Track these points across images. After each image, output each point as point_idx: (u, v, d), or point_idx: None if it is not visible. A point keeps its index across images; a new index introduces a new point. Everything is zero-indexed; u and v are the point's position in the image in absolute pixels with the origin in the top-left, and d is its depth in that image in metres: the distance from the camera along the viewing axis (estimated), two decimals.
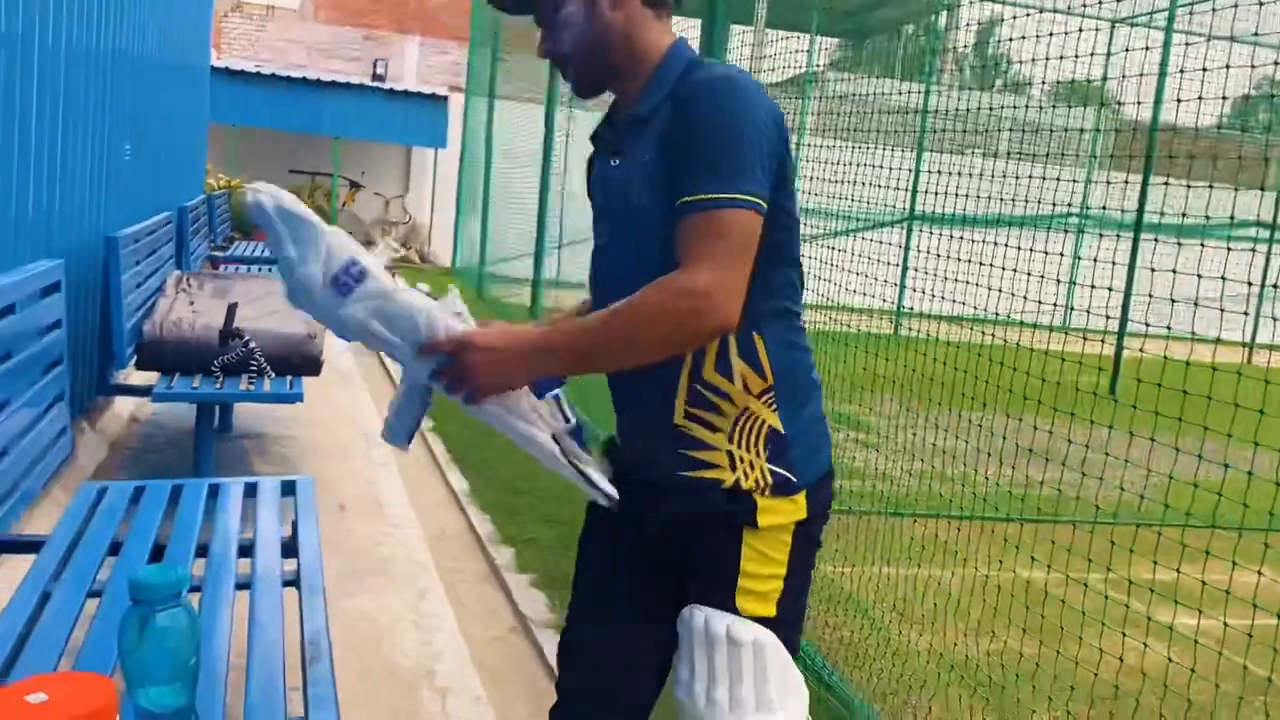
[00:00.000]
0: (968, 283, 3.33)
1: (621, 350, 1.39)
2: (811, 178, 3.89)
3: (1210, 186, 2.85)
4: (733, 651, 1.47)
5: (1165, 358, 2.62)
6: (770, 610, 1.49)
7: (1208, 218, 2.98)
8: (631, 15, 1.49)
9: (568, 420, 1.48)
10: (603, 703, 1.65)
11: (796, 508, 1.50)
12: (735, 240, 1.34)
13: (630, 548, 1.62)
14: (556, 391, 1.49)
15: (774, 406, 1.49)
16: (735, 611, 1.48)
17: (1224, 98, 2.57)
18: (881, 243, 4.97)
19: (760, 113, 1.38)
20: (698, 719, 1.51)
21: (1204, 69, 2.63)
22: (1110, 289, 4.24)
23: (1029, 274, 3.25)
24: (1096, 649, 3.13)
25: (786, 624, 1.51)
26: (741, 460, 1.48)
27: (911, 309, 4.11)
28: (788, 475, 1.49)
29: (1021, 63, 3.11)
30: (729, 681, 1.47)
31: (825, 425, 1.59)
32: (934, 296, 3.44)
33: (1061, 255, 3.51)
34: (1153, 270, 2.88)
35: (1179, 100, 2.86)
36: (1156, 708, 2.65)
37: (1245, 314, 4.04)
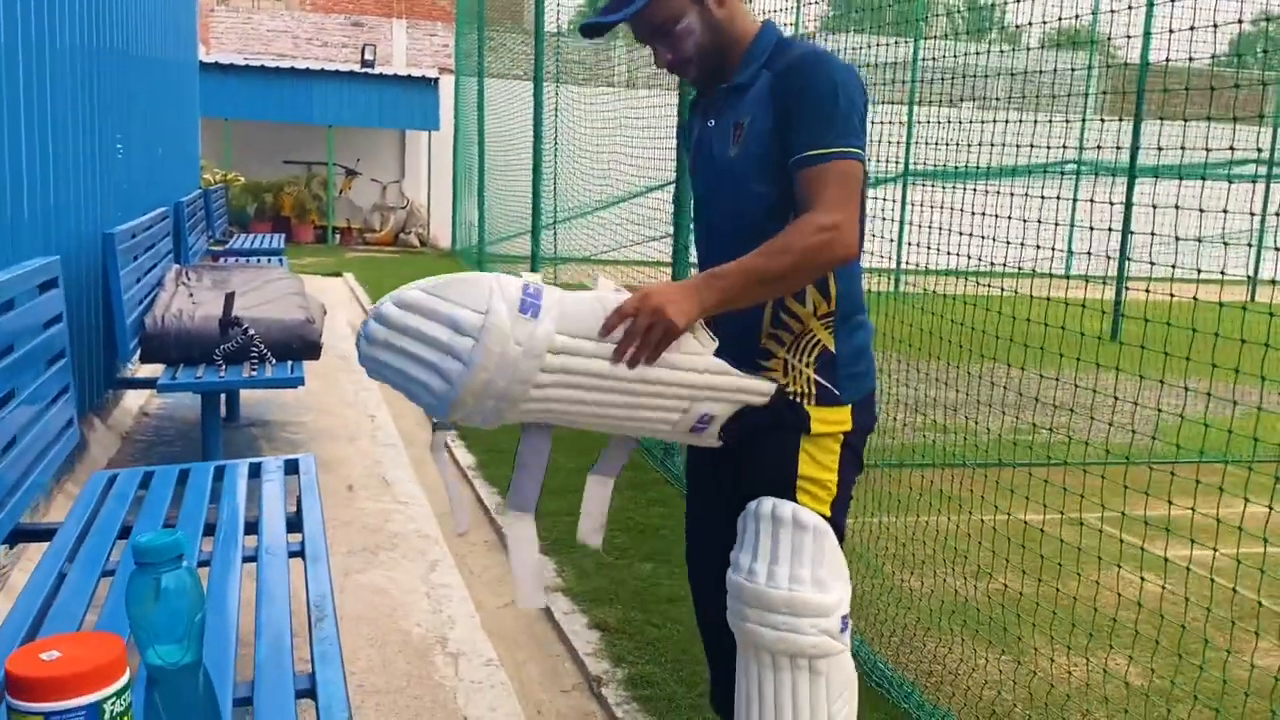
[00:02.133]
0: (964, 234, 3.36)
1: (773, 281, 1.61)
2: None
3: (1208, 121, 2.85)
4: (797, 533, 1.66)
5: (1161, 315, 2.66)
6: (825, 510, 1.73)
7: (1208, 153, 2.99)
8: (732, 8, 1.75)
9: (714, 339, 1.64)
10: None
11: (842, 419, 1.76)
12: (851, 184, 1.62)
13: (719, 470, 1.89)
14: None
15: (830, 329, 1.75)
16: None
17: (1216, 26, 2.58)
18: (877, 199, 4.98)
19: (853, 79, 1.65)
20: (755, 597, 1.66)
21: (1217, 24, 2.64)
22: (1110, 229, 4.27)
23: (1025, 221, 3.27)
24: (1094, 583, 3.19)
25: (835, 526, 1.73)
26: (793, 368, 1.74)
27: (911, 265, 4.13)
28: (830, 388, 1.75)
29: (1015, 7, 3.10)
30: (790, 560, 1.65)
31: (871, 356, 1.84)
32: (932, 249, 3.45)
33: (1059, 200, 3.52)
34: (1154, 208, 2.90)
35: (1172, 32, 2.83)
36: (1154, 636, 2.71)
37: (1249, 245, 4.06)
